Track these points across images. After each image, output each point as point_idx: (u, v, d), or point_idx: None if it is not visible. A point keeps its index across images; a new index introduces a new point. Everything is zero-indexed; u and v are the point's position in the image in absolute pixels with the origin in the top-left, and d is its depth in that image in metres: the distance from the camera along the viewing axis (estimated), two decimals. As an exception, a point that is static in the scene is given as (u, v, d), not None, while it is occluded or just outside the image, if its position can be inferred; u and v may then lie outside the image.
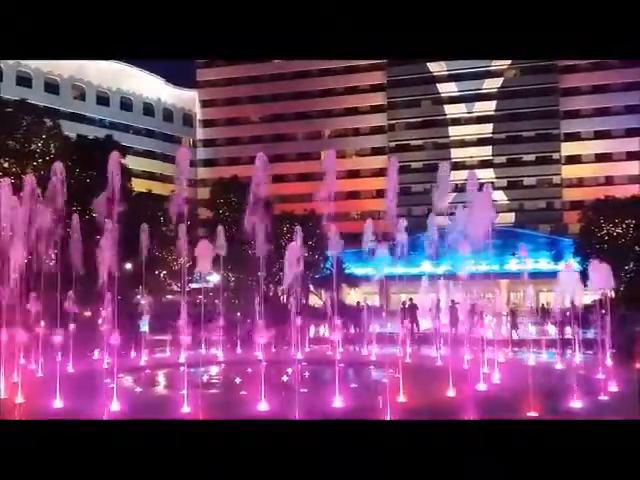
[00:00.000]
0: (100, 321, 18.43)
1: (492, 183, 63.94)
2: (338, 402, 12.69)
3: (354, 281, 45.40)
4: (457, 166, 68.64)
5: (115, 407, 12.36)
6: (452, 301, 24.79)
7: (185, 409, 12.22)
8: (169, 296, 40.48)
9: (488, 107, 70.03)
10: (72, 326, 18.44)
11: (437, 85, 71.41)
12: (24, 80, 62.09)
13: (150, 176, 64.59)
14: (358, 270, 44.48)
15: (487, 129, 70.08)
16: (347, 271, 44.33)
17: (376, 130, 73.85)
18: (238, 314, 28.81)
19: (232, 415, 11.76)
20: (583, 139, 68.67)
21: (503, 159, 69.72)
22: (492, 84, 70.12)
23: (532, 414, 11.52)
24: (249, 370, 17.76)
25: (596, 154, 68.10)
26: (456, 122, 70.97)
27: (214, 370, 20.60)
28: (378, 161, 69.19)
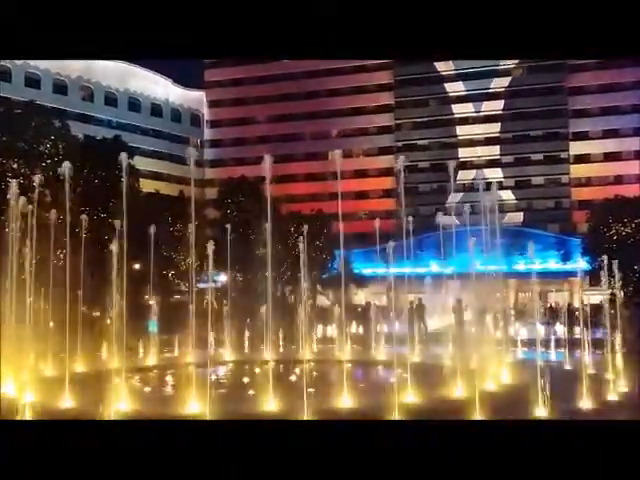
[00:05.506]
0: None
1: (500, 182, 64.02)
2: (346, 402, 12.69)
3: (362, 281, 45.36)
4: (465, 165, 68.72)
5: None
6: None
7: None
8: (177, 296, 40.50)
9: (496, 106, 69.75)
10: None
11: (445, 84, 71.20)
12: (33, 81, 62.35)
13: (157, 176, 64.66)
14: (366, 270, 44.46)
15: (495, 128, 69.82)
16: (355, 271, 44.30)
17: (383, 130, 73.70)
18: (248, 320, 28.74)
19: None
20: (591, 138, 68.30)
21: (511, 158, 69.44)
22: (500, 83, 69.84)
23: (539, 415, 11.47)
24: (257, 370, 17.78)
25: (604, 153, 67.75)
26: (464, 121, 70.73)
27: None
28: (385, 161, 69.07)
